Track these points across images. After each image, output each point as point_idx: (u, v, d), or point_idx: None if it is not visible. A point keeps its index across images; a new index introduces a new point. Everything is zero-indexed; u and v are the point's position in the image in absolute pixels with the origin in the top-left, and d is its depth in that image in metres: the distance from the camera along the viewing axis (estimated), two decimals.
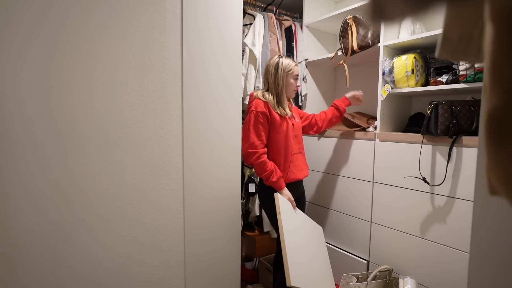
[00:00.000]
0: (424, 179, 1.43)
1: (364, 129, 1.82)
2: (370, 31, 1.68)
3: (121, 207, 1.19)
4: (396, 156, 1.57)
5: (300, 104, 2.13)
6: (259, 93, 1.55)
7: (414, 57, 1.51)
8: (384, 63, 1.62)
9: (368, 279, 1.57)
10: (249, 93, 1.89)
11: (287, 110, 1.55)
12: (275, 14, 2.09)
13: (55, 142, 1.04)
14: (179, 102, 1.30)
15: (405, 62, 1.52)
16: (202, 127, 1.39)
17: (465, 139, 1.31)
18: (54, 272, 1.07)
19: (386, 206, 1.63)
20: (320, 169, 2.01)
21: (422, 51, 1.58)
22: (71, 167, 1.08)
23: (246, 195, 2.00)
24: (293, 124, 1.59)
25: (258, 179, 1.96)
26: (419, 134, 1.46)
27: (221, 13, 1.40)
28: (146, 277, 1.27)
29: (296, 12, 2.29)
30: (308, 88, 2.16)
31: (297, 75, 1.57)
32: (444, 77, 1.44)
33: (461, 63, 1.35)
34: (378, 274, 1.57)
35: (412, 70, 1.50)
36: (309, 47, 2.15)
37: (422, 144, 1.45)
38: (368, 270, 1.73)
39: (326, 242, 1.98)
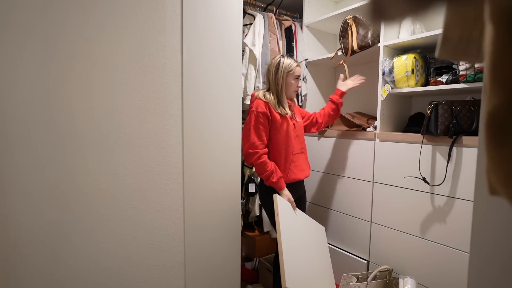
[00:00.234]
0: (424, 179, 1.43)
1: (364, 129, 1.82)
2: (370, 31, 1.68)
3: (121, 207, 1.19)
4: (396, 156, 1.57)
5: (300, 104, 2.13)
6: (260, 93, 1.55)
7: (414, 57, 1.51)
8: (384, 63, 1.62)
9: (368, 279, 1.57)
10: (249, 93, 1.89)
11: (287, 110, 1.54)
12: (275, 14, 2.09)
13: (55, 142, 1.04)
14: (179, 102, 1.30)
15: (405, 62, 1.52)
16: (202, 127, 1.39)
17: (465, 139, 1.31)
18: (54, 272, 1.07)
19: (386, 206, 1.63)
20: (320, 169, 2.01)
21: (422, 51, 1.58)
22: (71, 167, 1.08)
23: (246, 195, 2.00)
24: (294, 124, 1.59)
25: (258, 179, 1.96)
26: (419, 134, 1.46)
27: (221, 13, 1.40)
28: (146, 277, 1.27)
29: (296, 12, 2.29)
30: (308, 88, 2.16)
31: (298, 76, 1.57)
32: (444, 77, 1.44)
33: (461, 63, 1.35)
34: (378, 274, 1.57)
35: (412, 70, 1.50)
36: (309, 47, 2.15)
37: (422, 144, 1.45)
38: (368, 270, 1.73)
39: (327, 243, 1.98)
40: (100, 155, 1.13)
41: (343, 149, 1.86)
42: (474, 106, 1.37)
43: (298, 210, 1.56)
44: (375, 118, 1.82)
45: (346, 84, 1.73)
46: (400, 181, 1.55)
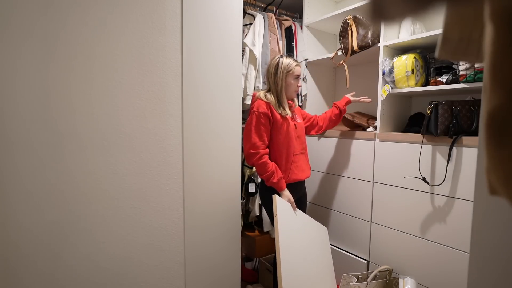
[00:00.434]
0: (424, 179, 1.43)
1: (364, 129, 1.82)
2: (370, 31, 1.68)
3: (121, 207, 1.19)
4: (396, 156, 1.57)
5: (300, 104, 2.13)
6: (261, 94, 1.55)
7: (414, 57, 1.51)
8: (384, 63, 1.62)
9: (368, 279, 1.57)
10: (249, 93, 1.89)
11: (288, 110, 1.54)
12: (275, 14, 2.09)
13: (54, 142, 1.04)
14: (179, 102, 1.30)
15: (405, 62, 1.52)
16: (202, 127, 1.39)
17: (465, 139, 1.31)
18: (54, 272, 1.07)
19: (386, 206, 1.63)
20: (320, 169, 2.01)
21: (422, 51, 1.58)
22: (71, 167, 1.08)
23: (246, 195, 2.00)
24: (295, 124, 1.59)
25: (258, 179, 1.96)
26: (419, 134, 1.46)
27: (221, 13, 1.40)
28: (146, 277, 1.27)
29: (296, 12, 2.29)
30: (308, 88, 2.16)
31: (298, 75, 1.56)
32: (444, 77, 1.44)
33: (461, 63, 1.35)
34: (378, 274, 1.57)
35: (412, 70, 1.50)
36: (309, 47, 2.15)
37: (422, 144, 1.45)
38: (368, 270, 1.73)
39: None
40: (100, 155, 1.13)
41: (343, 149, 1.86)
42: (474, 106, 1.37)
43: (298, 211, 1.55)
44: (375, 118, 1.82)
45: (355, 100, 1.76)
46: (400, 181, 1.55)
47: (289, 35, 2.10)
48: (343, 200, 1.87)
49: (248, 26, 1.93)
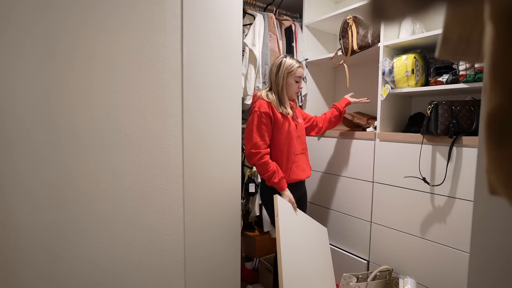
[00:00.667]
0: (424, 179, 1.43)
1: (364, 129, 1.82)
2: (370, 31, 1.68)
3: (120, 207, 1.19)
4: (396, 156, 1.57)
5: (300, 104, 2.13)
6: (263, 93, 1.55)
7: (414, 57, 1.51)
8: (384, 63, 1.62)
9: (368, 279, 1.57)
10: (249, 93, 1.89)
11: (289, 110, 1.54)
12: (275, 14, 2.09)
13: (54, 142, 1.04)
14: (179, 102, 1.30)
15: (405, 62, 1.52)
16: (202, 127, 1.39)
17: (465, 139, 1.31)
18: (54, 272, 1.07)
19: (386, 206, 1.63)
20: (320, 169, 2.01)
21: (422, 51, 1.58)
22: (71, 167, 1.08)
23: (246, 195, 2.00)
24: (296, 124, 1.59)
25: (258, 179, 1.96)
26: (419, 134, 1.46)
27: (221, 13, 1.40)
28: (146, 277, 1.27)
29: (296, 12, 2.29)
30: (308, 88, 2.16)
31: (300, 77, 1.56)
32: (444, 77, 1.44)
33: (461, 63, 1.35)
34: (378, 274, 1.57)
35: (412, 70, 1.50)
36: (309, 47, 2.15)
37: (422, 144, 1.45)
38: (368, 270, 1.73)
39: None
40: (99, 155, 1.13)
41: (343, 149, 1.86)
42: (474, 106, 1.37)
43: (299, 211, 1.56)
44: (375, 118, 1.82)
45: (353, 98, 1.77)
46: (400, 181, 1.55)
47: (289, 35, 2.10)
48: (343, 200, 1.87)
49: (248, 26, 1.93)
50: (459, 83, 1.37)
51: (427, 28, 1.67)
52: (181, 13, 1.27)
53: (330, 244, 1.95)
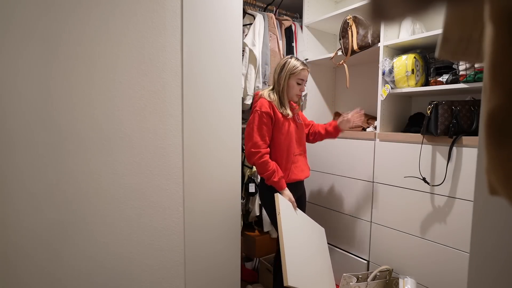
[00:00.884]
0: (424, 179, 1.43)
1: (364, 129, 1.82)
2: (370, 31, 1.68)
3: (121, 207, 1.19)
4: (396, 156, 1.57)
5: (300, 104, 2.13)
6: (264, 92, 1.54)
7: (414, 57, 1.51)
8: (384, 63, 1.62)
9: (368, 279, 1.57)
10: (249, 93, 1.89)
11: (289, 111, 1.54)
12: (275, 14, 2.09)
13: (56, 142, 1.04)
14: (179, 102, 1.30)
15: (405, 62, 1.52)
16: (202, 127, 1.39)
17: (465, 139, 1.31)
18: (55, 272, 1.07)
19: (386, 206, 1.63)
20: (320, 169, 2.01)
21: (422, 51, 1.58)
22: (72, 167, 1.08)
23: (246, 195, 2.00)
24: (296, 125, 1.58)
25: (258, 179, 1.96)
26: (419, 134, 1.46)
27: (221, 13, 1.40)
28: (146, 277, 1.27)
29: (296, 12, 2.29)
30: (308, 88, 2.16)
31: (303, 79, 1.53)
32: (444, 77, 1.44)
33: (461, 63, 1.35)
34: (378, 274, 1.57)
35: (412, 70, 1.50)
36: (309, 47, 2.15)
37: (422, 144, 1.45)
38: (368, 270, 1.73)
39: (327, 242, 1.98)
40: (100, 155, 1.13)
41: (343, 149, 1.86)
42: (474, 106, 1.37)
43: (298, 210, 1.56)
44: (375, 118, 1.82)
45: (348, 122, 1.62)
46: (400, 181, 1.55)
47: (289, 35, 2.10)
48: (343, 200, 1.87)
49: (248, 26, 1.93)
50: (459, 83, 1.37)
51: (427, 28, 1.67)
52: (181, 13, 1.27)
53: (330, 244, 1.95)
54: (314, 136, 1.74)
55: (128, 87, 1.17)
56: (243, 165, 1.93)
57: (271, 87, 1.58)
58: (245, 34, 1.91)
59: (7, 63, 0.95)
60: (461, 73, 1.35)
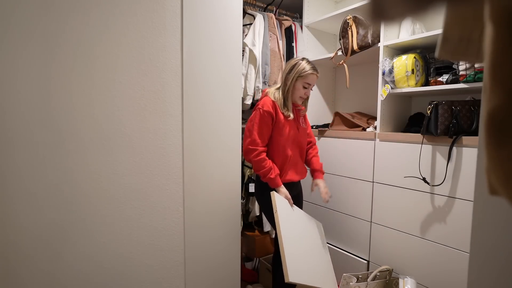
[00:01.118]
0: (424, 179, 1.43)
1: (364, 129, 1.82)
2: (370, 31, 1.68)
3: (121, 207, 1.19)
4: (396, 156, 1.57)
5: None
6: (271, 90, 1.53)
7: (414, 57, 1.51)
8: (384, 63, 1.62)
9: (368, 279, 1.57)
10: (249, 93, 1.89)
11: (290, 112, 1.52)
12: (275, 14, 2.09)
13: (55, 142, 1.04)
14: (179, 102, 1.30)
15: (405, 62, 1.52)
16: (202, 127, 1.39)
17: (465, 139, 1.31)
18: (54, 272, 1.07)
19: (386, 206, 1.63)
20: None
21: (422, 51, 1.58)
22: (72, 167, 1.08)
23: (246, 195, 2.00)
24: (298, 128, 1.57)
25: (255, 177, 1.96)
26: (419, 134, 1.46)
27: (221, 13, 1.40)
28: (146, 277, 1.27)
29: (296, 12, 2.29)
30: None
31: (310, 84, 1.50)
32: (444, 77, 1.44)
33: (461, 63, 1.35)
34: (378, 274, 1.57)
35: (412, 70, 1.50)
36: (309, 47, 2.15)
37: (422, 144, 1.45)
38: (368, 270, 1.73)
39: (327, 242, 1.98)
40: (100, 155, 1.13)
41: (343, 149, 1.86)
42: (474, 106, 1.37)
43: (295, 207, 1.56)
44: (375, 118, 1.82)
45: (318, 188, 1.63)
46: (400, 181, 1.55)
47: (289, 35, 2.10)
48: (343, 200, 1.87)
49: (248, 26, 1.93)
50: (459, 83, 1.37)
51: (427, 28, 1.67)
52: (181, 13, 1.27)
53: (330, 244, 1.95)
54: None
55: (128, 87, 1.17)
56: (243, 165, 1.93)
57: (278, 85, 1.56)
58: (245, 34, 1.91)
59: (6, 63, 0.95)
60: (461, 73, 1.35)
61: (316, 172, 1.66)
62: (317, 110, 2.21)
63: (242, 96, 1.79)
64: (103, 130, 1.13)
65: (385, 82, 1.65)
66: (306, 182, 1.77)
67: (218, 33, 1.40)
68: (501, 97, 0.26)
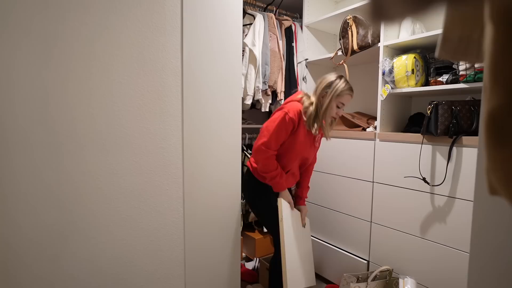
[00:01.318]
0: (424, 179, 1.43)
1: (364, 129, 1.82)
2: (370, 31, 1.68)
3: (120, 207, 1.19)
4: (396, 156, 1.57)
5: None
6: (305, 100, 1.46)
7: (414, 57, 1.51)
8: (384, 63, 1.62)
9: (368, 280, 1.57)
10: (249, 93, 1.88)
11: (315, 129, 1.45)
12: (275, 14, 2.09)
13: (54, 142, 1.04)
14: (179, 102, 1.30)
15: (405, 62, 1.52)
16: (202, 127, 1.39)
17: (465, 139, 1.31)
18: (52, 272, 1.07)
19: (386, 206, 1.63)
20: (320, 169, 2.01)
21: (422, 51, 1.58)
22: (70, 167, 1.08)
23: None
24: (311, 145, 1.52)
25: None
26: (419, 134, 1.46)
27: (221, 13, 1.40)
28: (146, 277, 1.27)
29: (296, 12, 2.29)
30: (308, 88, 2.15)
31: (343, 104, 1.45)
32: (444, 77, 1.44)
33: (461, 63, 1.35)
34: (378, 274, 1.57)
35: (412, 70, 1.50)
36: (309, 47, 2.15)
37: (422, 144, 1.45)
38: (368, 270, 1.73)
39: (327, 242, 1.98)
40: (99, 155, 1.13)
41: (343, 149, 1.86)
42: (474, 106, 1.37)
43: (294, 210, 1.58)
44: (375, 118, 1.82)
45: (302, 212, 1.62)
46: (400, 181, 1.55)
47: (289, 35, 2.10)
48: (343, 200, 1.87)
49: (248, 26, 1.93)
50: (459, 83, 1.37)
51: (427, 28, 1.67)
52: (181, 13, 1.27)
53: (330, 244, 1.95)
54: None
55: (127, 87, 1.17)
56: (243, 165, 1.93)
57: (313, 99, 1.46)
58: (245, 34, 1.91)
59: (3, 62, 0.95)
60: (461, 73, 1.35)
61: (301, 200, 1.65)
62: None
63: (242, 96, 1.79)
64: (102, 130, 1.13)
65: (385, 82, 1.65)
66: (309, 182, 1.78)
67: (218, 33, 1.40)
68: (501, 97, 0.26)
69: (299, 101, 1.47)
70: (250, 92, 1.89)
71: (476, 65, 1.30)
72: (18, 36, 0.96)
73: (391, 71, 1.58)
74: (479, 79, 1.30)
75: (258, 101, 1.98)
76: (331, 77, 1.44)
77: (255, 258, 2.14)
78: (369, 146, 1.70)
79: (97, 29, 1.09)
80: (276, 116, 1.43)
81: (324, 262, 1.96)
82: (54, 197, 1.05)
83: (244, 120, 2.08)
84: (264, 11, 2.08)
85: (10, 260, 0.99)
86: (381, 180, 1.64)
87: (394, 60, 1.58)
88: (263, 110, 2.04)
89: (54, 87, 1.03)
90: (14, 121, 0.97)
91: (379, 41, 1.67)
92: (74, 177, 1.09)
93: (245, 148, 2.05)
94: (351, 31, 1.74)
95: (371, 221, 1.71)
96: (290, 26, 2.11)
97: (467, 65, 1.33)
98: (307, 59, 2.12)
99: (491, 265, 0.59)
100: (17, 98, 0.97)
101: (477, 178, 0.61)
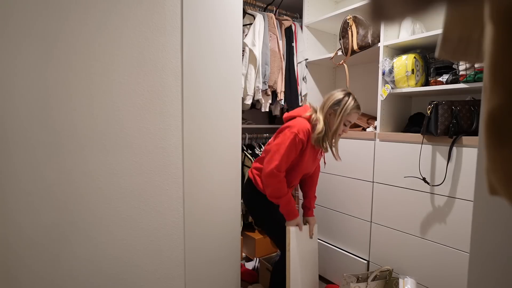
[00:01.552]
0: (424, 179, 1.43)
1: (364, 129, 1.82)
2: (370, 31, 1.68)
3: (120, 207, 1.19)
4: (396, 156, 1.57)
5: (300, 104, 2.13)
6: (313, 117, 1.43)
7: (414, 57, 1.51)
8: (384, 63, 1.62)
9: (368, 280, 1.57)
10: (249, 93, 1.88)
11: (323, 146, 1.44)
12: (275, 14, 2.09)
13: (54, 142, 1.04)
14: (179, 102, 1.30)
15: (405, 62, 1.52)
16: (202, 127, 1.39)
17: (465, 139, 1.31)
18: (52, 272, 1.07)
19: (386, 206, 1.63)
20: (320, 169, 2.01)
21: (422, 51, 1.58)
22: (70, 167, 1.08)
23: None
24: (314, 159, 1.52)
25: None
26: (419, 134, 1.46)
27: (221, 13, 1.40)
28: (146, 277, 1.27)
29: (296, 12, 2.29)
30: (308, 88, 2.16)
31: (350, 122, 1.43)
32: (444, 77, 1.44)
33: (461, 63, 1.35)
34: (378, 274, 1.57)
35: (412, 70, 1.50)
36: (309, 47, 2.15)
37: (422, 144, 1.45)
38: (368, 270, 1.73)
39: (327, 242, 1.98)
40: (99, 155, 1.13)
41: (343, 149, 1.86)
42: (474, 106, 1.37)
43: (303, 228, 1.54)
44: (375, 118, 1.82)
45: (309, 223, 1.61)
46: (400, 181, 1.55)
47: (289, 35, 2.10)
48: (343, 200, 1.87)
49: (248, 26, 1.93)
50: (459, 83, 1.37)
51: (427, 28, 1.67)
52: (181, 13, 1.27)
53: (330, 244, 1.95)
54: (301, 183, 1.69)
55: (127, 86, 1.17)
56: (243, 165, 1.93)
57: (320, 116, 1.43)
58: (245, 34, 1.91)
59: (4, 62, 0.95)
60: (461, 73, 1.35)
61: (310, 211, 1.64)
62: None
63: (242, 96, 1.79)
64: (102, 130, 1.13)
65: (385, 82, 1.65)
66: None
67: (218, 33, 1.40)
68: (501, 97, 0.26)
69: (308, 119, 1.44)
70: (250, 92, 1.89)
71: (476, 65, 1.30)
72: (18, 36, 0.96)
73: (391, 71, 1.58)
74: (479, 79, 1.30)
75: (258, 101, 1.98)
76: (339, 94, 1.41)
77: (255, 258, 2.14)
78: (369, 146, 1.70)
79: (97, 29, 1.09)
80: (285, 137, 1.39)
81: (324, 262, 1.96)
82: (54, 197, 1.05)
83: (244, 120, 2.08)
84: (264, 11, 2.08)
85: (10, 260, 0.99)
86: (381, 180, 1.65)
87: (394, 60, 1.58)
88: (263, 110, 2.04)
89: (54, 87, 1.03)
90: (14, 121, 0.97)
91: (379, 41, 1.67)
92: (74, 177, 1.09)
93: (245, 148, 2.05)
94: (351, 31, 1.74)
95: (371, 221, 1.71)
96: (290, 26, 2.11)
97: (467, 65, 1.33)
98: (307, 59, 2.12)
99: (491, 265, 0.59)
100: (17, 98, 0.97)
101: (477, 178, 0.61)
